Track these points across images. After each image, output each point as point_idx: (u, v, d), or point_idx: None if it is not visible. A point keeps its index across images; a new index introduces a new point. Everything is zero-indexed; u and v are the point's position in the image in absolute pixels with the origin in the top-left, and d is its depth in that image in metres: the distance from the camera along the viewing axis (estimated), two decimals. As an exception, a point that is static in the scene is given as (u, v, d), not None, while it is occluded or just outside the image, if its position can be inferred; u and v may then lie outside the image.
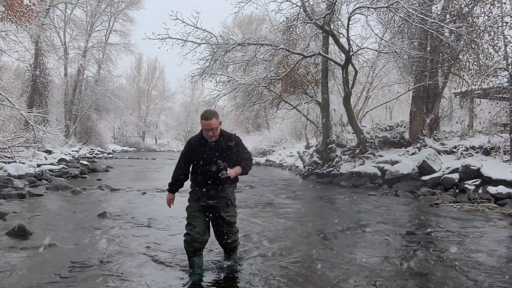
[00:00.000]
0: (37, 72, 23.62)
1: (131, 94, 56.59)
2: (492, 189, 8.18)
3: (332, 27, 12.82)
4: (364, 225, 6.01)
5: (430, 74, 12.63)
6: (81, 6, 31.00)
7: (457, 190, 9.04)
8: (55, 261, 3.96)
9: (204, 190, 3.59)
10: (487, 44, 10.72)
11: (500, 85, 10.10)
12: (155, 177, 14.96)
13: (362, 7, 11.75)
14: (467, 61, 11.53)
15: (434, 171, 10.15)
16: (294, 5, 12.38)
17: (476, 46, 10.99)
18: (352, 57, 13.26)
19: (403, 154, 12.29)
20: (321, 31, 13.10)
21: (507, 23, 10.25)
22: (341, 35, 13.82)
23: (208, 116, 3.44)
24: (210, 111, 3.55)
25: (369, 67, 19.37)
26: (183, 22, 11.65)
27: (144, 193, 9.51)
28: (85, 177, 13.83)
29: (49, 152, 17.69)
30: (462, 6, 11.56)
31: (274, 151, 27.95)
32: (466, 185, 8.87)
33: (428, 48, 12.61)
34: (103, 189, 10.10)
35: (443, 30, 11.17)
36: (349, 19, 11.99)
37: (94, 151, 31.41)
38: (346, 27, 12.11)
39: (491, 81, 10.27)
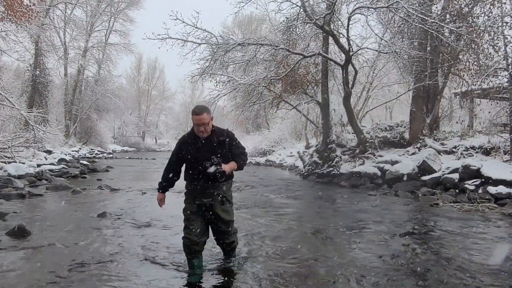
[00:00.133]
0: (37, 72, 23.63)
1: (131, 94, 56.62)
2: (492, 189, 8.17)
3: (332, 27, 12.82)
4: (364, 225, 6.01)
5: (430, 74, 12.62)
6: (81, 6, 31.05)
7: (457, 190, 9.03)
8: (54, 261, 3.96)
9: (198, 187, 3.53)
10: (487, 44, 10.71)
11: (500, 85, 10.09)
12: (155, 177, 14.90)
13: (362, 7, 11.74)
14: (467, 61, 11.52)
15: (434, 171, 10.15)
16: (294, 5, 12.37)
17: (476, 46, 10.99)
18: (352, 57, 13.25)
19: (403, 154, 12.28)
20: (321, 31, 13.09)
21: (507, 23, 10.24)
22: (341, 35, 13.81)
23: (199, 111, 3.40)
24: (201, 106, 3.50)
25: (369, 67, 19.38)
26: (183, 22, 11.65)
27: (144, 193, 9.51)
28: (85, 177, 13.84)
29: (49, 152, 17.71)
30: (462, 6, 11.55)
31: (274, 151, 27.95)
32: (466, 185, 8.85)
33: (428, 48, 12.61)
34: (103, 189, 10.11)
35: (443, 30, 11.17)
36: (349, 19, 11.99)
37: (94, 151, 31.42)
38: (346, 27, 12.11)
39: (491, 81, 10.26)
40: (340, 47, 13.03)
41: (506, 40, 10.24)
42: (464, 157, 10.49)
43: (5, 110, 15.02)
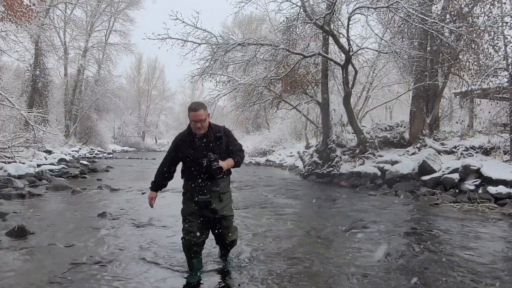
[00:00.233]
0: (37, 72, 23.63)
1: (131, 94, 56.61)
2: (492, 189, 8.17)
3: (332, 27, 12.82)
4: (364, 225, 6.01)
5: (430, 74, 12.62)
6: (81, 6, 31.04)
7: (457, 190, 9.03)
8: (54, 261, 3.96)
9: (196, 185, 3.50)
10: (487, 44, 10.71)
11: (500, 85, 10.10)
12: (155, 177, 14.93)
13: (362, 7, 11.75)
14: (467, 61, 11.52)
15: (434, 171, 10.14)
16: (294, 5, 12.39)
17: (476, 46, 10.99)
18: (352, 57, 13.26)
19: (403, 154, 12.29)
20: (321, 31, 13.09)
21: (507, 23, 10.24)
22: (341, 35, 13.82)
23: (195, 107, 3.37)
24: (197, 102, 3.48)
25: (369, 67, 19.39)
26: (183, 22, 11.66)
27: (144, 193, 9.49)
28: (85, 177, 13.84)
29: (49, 152, 17.71)
30: (462, 6, 11.55)
31: (274, 151, 27.96)
32: (466, 185, 8.85)
33: (428, 48, 12.61)
34: (103, 189, 10.10)
35: (443, 30, 11.17)
36: (349, 19, 11.99)
37: (94, 151, 31.42)
38: (346, 27, 12.12)
39: (491, 81, 10.27)
40: (340, 47, 13.03)
41: (506, 40, 10.25)
42: (464, 157, 10.49)
43: (5, 110, 15.03)
